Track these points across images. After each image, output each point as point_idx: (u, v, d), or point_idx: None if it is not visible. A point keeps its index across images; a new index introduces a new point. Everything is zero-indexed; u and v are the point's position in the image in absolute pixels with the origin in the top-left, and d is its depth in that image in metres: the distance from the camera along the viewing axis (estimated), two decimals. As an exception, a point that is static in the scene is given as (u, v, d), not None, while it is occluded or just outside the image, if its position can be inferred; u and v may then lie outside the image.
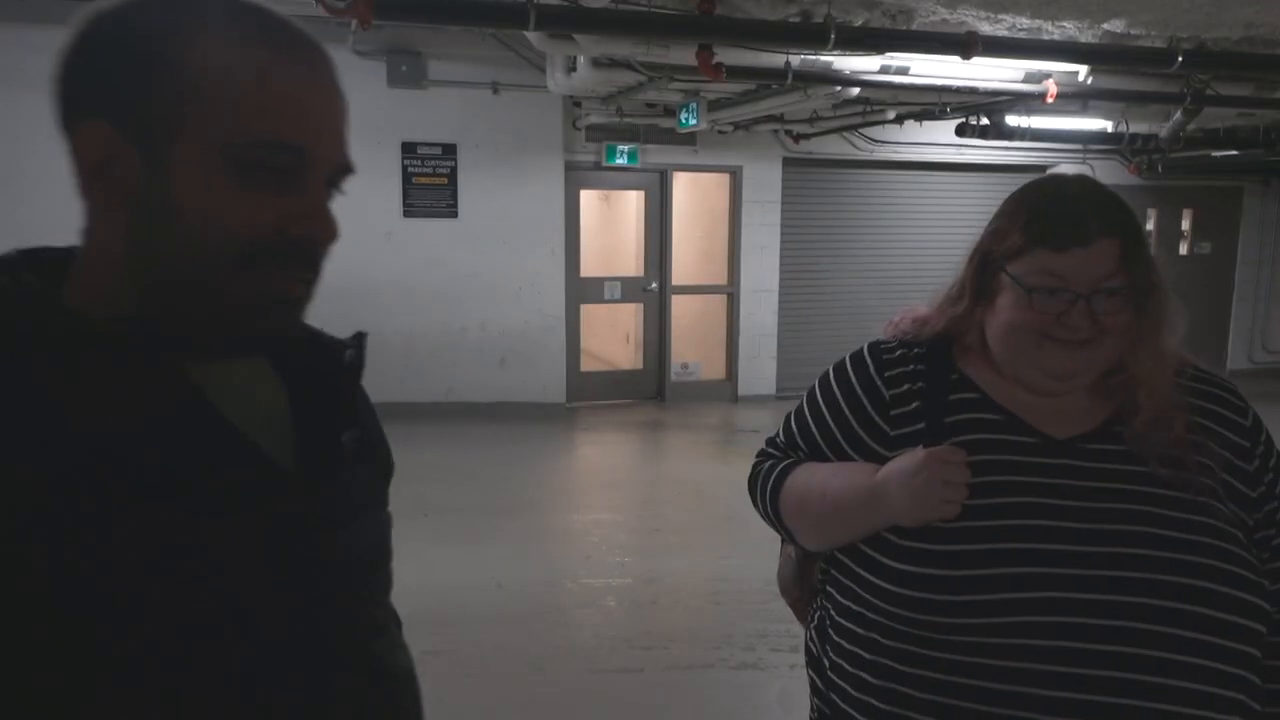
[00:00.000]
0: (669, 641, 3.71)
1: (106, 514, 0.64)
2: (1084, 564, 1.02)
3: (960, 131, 7.50)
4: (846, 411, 1.22)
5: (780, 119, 7.60)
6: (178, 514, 0.67)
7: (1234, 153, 8.19)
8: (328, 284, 0.78)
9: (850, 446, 1.21)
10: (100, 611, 0.63)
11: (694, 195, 9.06)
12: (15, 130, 6.68)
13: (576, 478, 6.60)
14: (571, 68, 5.90)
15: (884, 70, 5.38)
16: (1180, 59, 4.26)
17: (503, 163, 7.52)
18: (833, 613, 1.20)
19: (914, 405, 1.16)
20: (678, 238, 8.56)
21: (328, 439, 0.78)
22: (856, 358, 1.25)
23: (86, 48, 0.68)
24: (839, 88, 5.63)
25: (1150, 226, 9.83)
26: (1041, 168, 9.30)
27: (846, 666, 1.15)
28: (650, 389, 8.60)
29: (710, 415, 8.10)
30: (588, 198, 8.47)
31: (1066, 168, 9.24)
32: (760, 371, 8.70)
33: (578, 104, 7.56)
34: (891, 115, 7.35)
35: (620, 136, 7.84)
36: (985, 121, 7.31)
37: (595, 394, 8.36)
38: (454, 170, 7.37)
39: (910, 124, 7.82)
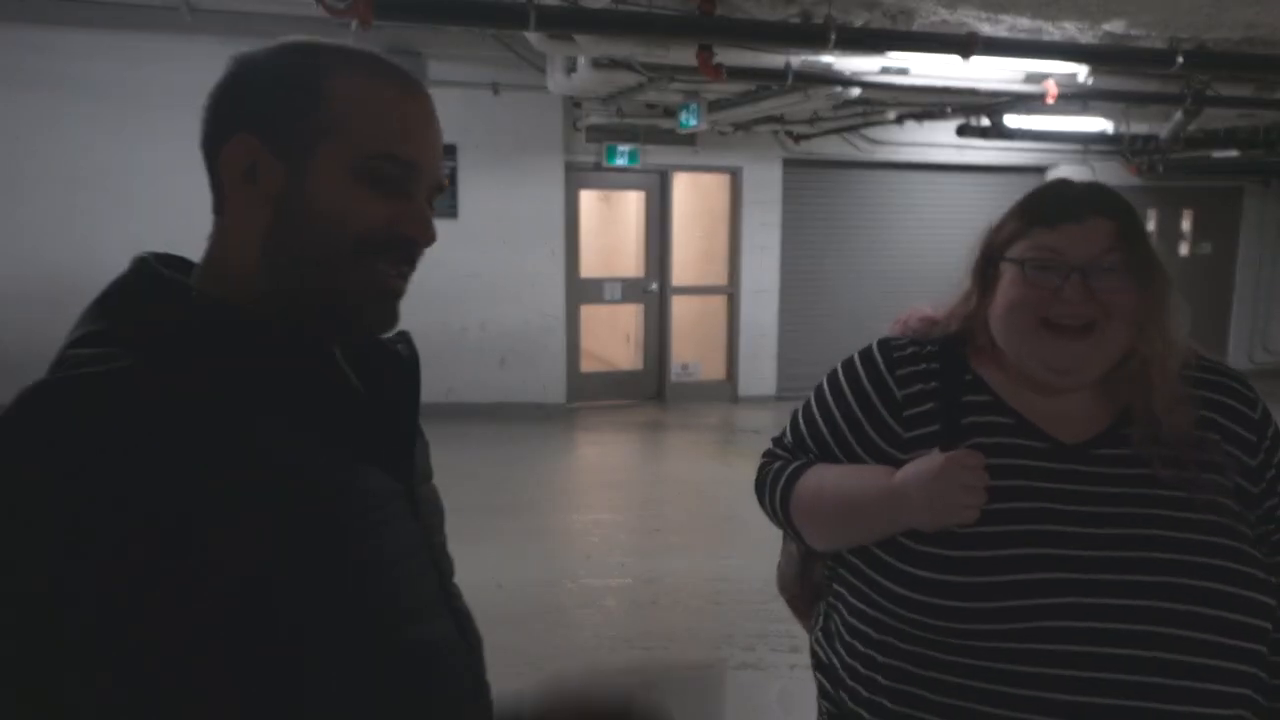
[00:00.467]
0: (669, 642, 3.71)
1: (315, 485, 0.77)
2: (1097, 569, 1.02)
3: (961, 132, 7.51)
4: (858, 411, 1.20)
5: (780, 120, 7.60)
6: (358, 478, 0.82)
7: (1234, 153, 8.19)
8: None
9: (861, 447, 1.20)
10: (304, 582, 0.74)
11: (694, 196, 9.06)
12: (15, 130, 6.67)
13: (576, 478, 6.60)
14: (571, 68, 5.90)
15: (884, 71, 5.38)
16: (1180, 60, 4.26)
17: (503, 163, 7.52)
18: (844, 613, 1.19)
19: (928, 406, 1.15)
20: (678, 238, 8.56)
21: (409, 421, 0.91)
22: (866, 355, 1.23)
23: (239, 79, 0.83)
24: (839, 88, 5.63)
25: (1151, 227, 9.82)
26: (1042, 168, 9.30)
27: (859, 668, 1.14)
28: (650, 389, 8.59)
29: (710, 416, 8.11)
30: (588, 198, 8.47)
31: (1067, 168, 9.24)
32: (760, 372, 8.70)
33: (578, 104, 7.56)
34: (892, 116, 7.35)
35: (620, 137, 7.84)
36: (986, 122, 7.32)
37: (595, 394, 8.36)
38: (454, 171, 7.35)
39: (910, 124, 7.82)
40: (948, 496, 1.05)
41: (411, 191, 0.84)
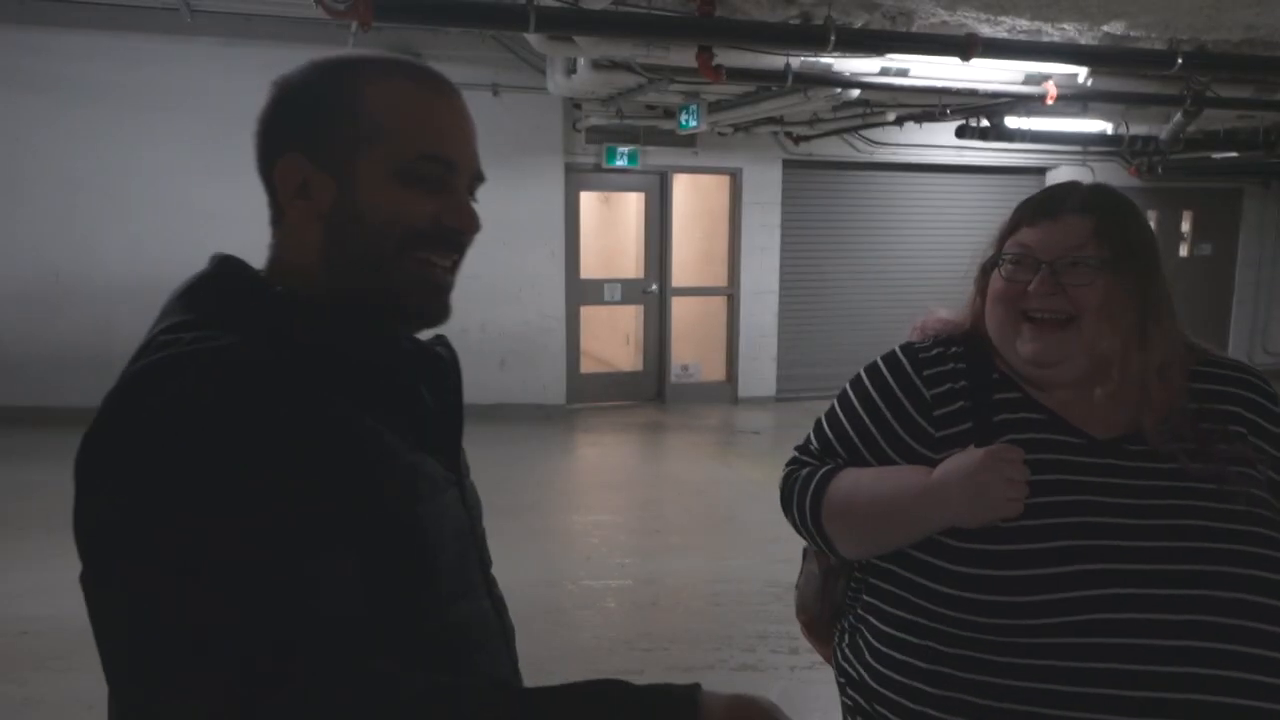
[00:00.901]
0: (669, 643, 3.71)
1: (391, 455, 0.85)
2: (1142, 559, 1.02)
3: (960, 133, 7.51)
4: (886, 413, 1.20)
5: (780, 121, 7.61)
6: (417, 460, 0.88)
7: (1234, 154, 8.19)
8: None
9: (892, 449, 1.19)
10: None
11: (694, 197, 9.06)
12: (15, 131, 6.67)
13: (576, 479, 6.60)
14: (571, 70, 5.90)
15: (884, 72, 5.38)
16: (1180, 61, 4.26)
17: (502, 164, 7.50)
18: (875, 623, 1.17)
19: (958, 405, 1.15)
20: (678, 239, 8.56)
21: (458, 417, 0.99)
22: (890, 359, 1.23)
23: (281, 102, 0.89)
24: (839, 89, 5.63)
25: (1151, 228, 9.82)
26: (1041, 170, 9.30)
27: (898, 678, 1.11)
28: (650, 390, 8.59)
29: (710, 417, 8.10)
30: (588, 199, 8.47)
31: (1066, 169, 9.24)
32: (760, 373, 8.70)
33: (578, 106, 7.56)
34: (891, 117, 7.35)
35: (620, 138, 7.84)
36: (985, 123, 7.32)
37: (595, 395, 8.36)
38: (454, 172, 7.34)
39: (910, 126, 7.82)
40: (990, 490, 1.04)
41: (452, 186, 0.91)
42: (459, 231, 0.92)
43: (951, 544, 1.08)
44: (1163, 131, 7.15)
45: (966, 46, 4.06)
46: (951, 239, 8.65)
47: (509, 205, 7.53)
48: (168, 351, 0.78)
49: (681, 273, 8.60)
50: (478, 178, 0.95)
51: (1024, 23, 4.11)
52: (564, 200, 7.83)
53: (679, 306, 8.60)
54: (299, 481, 0.76)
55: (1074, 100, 6.05)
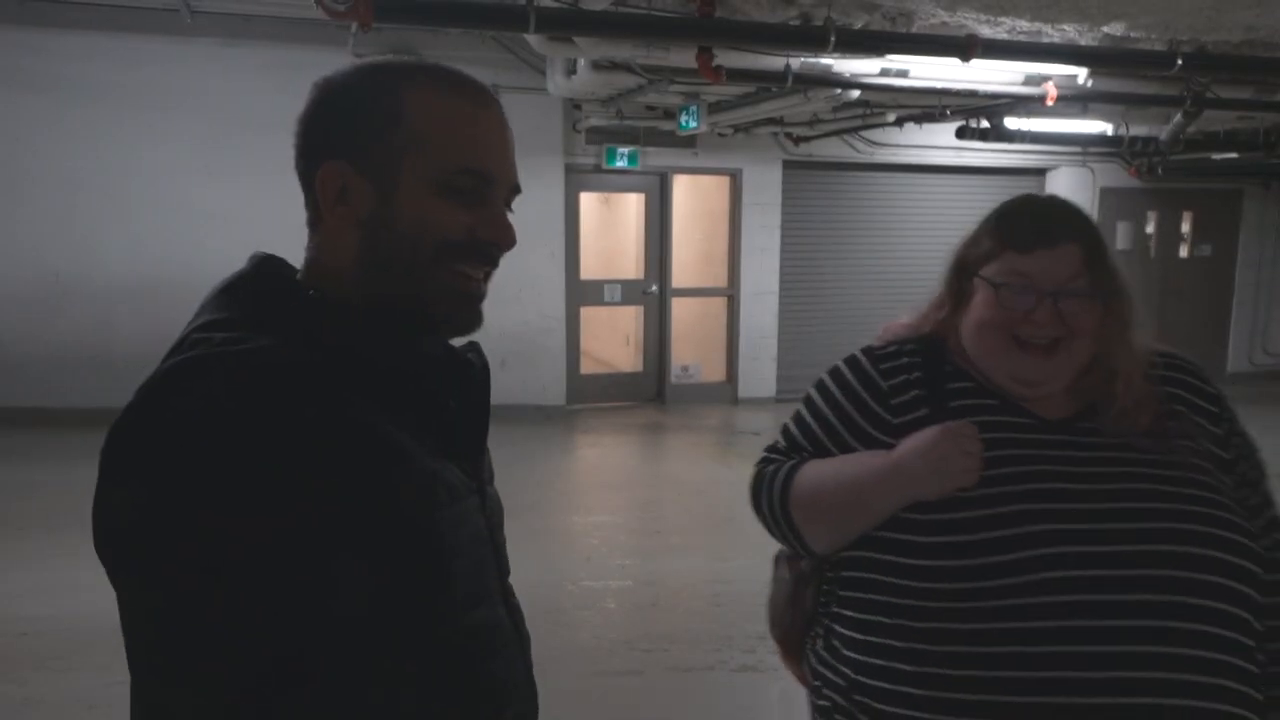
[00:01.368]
0: (669, 644, 3.71)
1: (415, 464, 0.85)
2: (1092, 519, 1.09)
3: (960, 134, 7.51)
4: (847, 405, 1.27)
5: (780, 122, 7.61)
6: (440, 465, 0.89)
7: (1234, 155, 8.20)
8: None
9: (853, 438, 1.25)
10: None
11: (694, 198, 9.07)
12: (15, 132, 6.67)
13: (576, 479, 6.60)
14: (571, 70, 5.91)
15: (884, 73, 5.38)
16: (1180, 62, 4.27)
17: (503, 165, 7.51)
18: (850, 614, 1.20)
19: (913, 394, 1.23)
20: (678, 240, 8.56)
21: (482, 425, 0.99)
22: (850, 360, 1.31)
23: (323, 107, 0.89)
24: (839, 90, 5.63)
25: (1151, 229, 9.84)
26: (1041, 170, 9.30)
27: (877, 662, 1.15)
28: (650, 391, 8.60)
29: (710, 417, 8.10)
30: (588, 200, 8.47)
31: (1067, 170, 9.25)
32: (760, 374, 8.70)
33: (577, 106, 7.57)
34: (891, 118, 7.35)
35: (620, 139, 7.84)
36: (985, 124, 7.32)
37: (595, 396, 8.36)
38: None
39: (910, 127, 7.82)
40: (949, 461, 1.12)
41: (489, 198, 0.91)
42: (493, 245, 0.92)
43: (916, 518, 1.14)
44: (1163, 132, 7.15)
45: (966, 47, 4.06)
46: (951, 240, 8.58)
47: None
48: (197, 351, 0.80)
49: (681, 273, 8.60)
50: (514, 190, 0.95)
51: (1024, 24, 4.11)
52: (564, 201, 7.83)
53: (679, 307, 8.61)
54: (321, 483, 0.77)
55: (1074, 101, 6.06)
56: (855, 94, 5.83)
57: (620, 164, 7.90)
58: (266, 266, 0.91)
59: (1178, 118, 6.45)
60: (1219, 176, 9.56)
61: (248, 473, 0.74)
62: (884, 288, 8.70)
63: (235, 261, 0.93)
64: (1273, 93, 5.83)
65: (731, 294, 8.67)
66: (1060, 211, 1.21)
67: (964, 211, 8.84)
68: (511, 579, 1.02)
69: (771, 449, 1.38)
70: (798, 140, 8.26)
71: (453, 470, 0.90)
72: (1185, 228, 10.06)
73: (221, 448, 0.74)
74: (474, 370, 0.99)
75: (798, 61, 5.06)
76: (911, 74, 5.41)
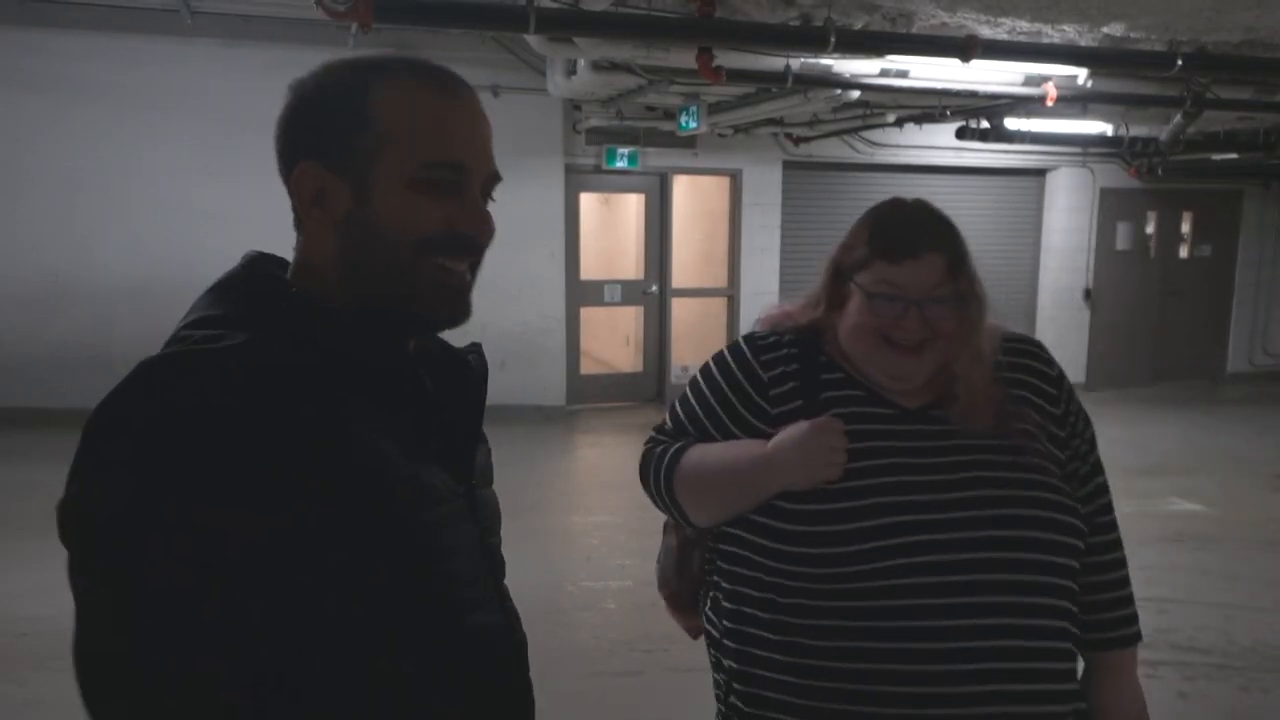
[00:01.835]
0: (669, 644, 3.70)
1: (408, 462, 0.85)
2: (941, 509, 1.21)
3: (960, 134, 7.51)
4: (730, 394, 1.36)
5: (780, 122, 7.61)
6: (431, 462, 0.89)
7: (1234, 156, 8.20)
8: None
9: (735, 425, 1.35)
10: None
11: (694, 198, 9.07)
12: (15, 132, 6.67)
13: (576, 480, 6.60)
14: (571, 71, 5.90)
15: (884, 73, 5.38)
16: (1180, 62, 4.26)
17: (502, 165, 7.29)
18: (725, 584, 1.32)
19: (789, 385, 1.32)
20: (678, 241, 8.56)
21: (471, 427, 0.98)
22: (734, 348, 1.40)
23: (295, 108, 0.89)
24: (839, 91, 5.63)
25: (1151, 229, 9.83)
26: (1041, 171, 9.30)
27: (746, 629, 1.27)
28: (650, 391, 8.60)
29: (710, 418, 8.09)
30: (588, 200, 8.47)
31: (1066, 171, 9.25)
32: (760, 374, 8.69)
33: (577, 107, 7.57)
34: (891, 118, 7.35)
35: (620, 139, 7.84)
36: (985, 124, 7.33)
37: (595, 396, 8.36)
38: (454, 173, 7.35)
39: (910, 127, 7.82)
40: (816, 456, 1.22)
41: (465, 189, 0.90)
42: (472, 236, 0.91)
43: (785, 506, 1.24)
44: (1163, 133, 7.15)
45: (966, 48, 4.06)
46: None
47: (509, 206, 7.40)
48: (173, 349, 0.81)
49: (681, 274, 8.60)
50: (493, 178, 0.95)
51: (1024, 24, 4.11)
52: (564, 201, 7.83)
53: (679, 307, 8.61)
54: (318, 482, 0.77)
55: (1074, 102, 6.06)
56: (855, 94, 5.83)
57: (620, 164, 7.90)
58: (258, 266, 0.91)
59: (1178, 118, 6.45)
60: (1219, 177, 9.56)
61: (246, 470, 0.74)
62: (884, 288, 8.69)
63: (235, 262, 0.93)
64: (1273, 93, 5.83)
65: (731, 294, 8.67)
66: (927, 222, 1.31)
67: (964, 212, 8.84)
68: (511, 580, 1.02)
69: (660, 429, 1.47)
70: (798, 141, 8.26)
71: (437, 473, 0.90)
72: (1185, 228, 10.05)
73: (218, 444, 0.74)
74: (471, 370, 0.99)
75: (798, 62, 5.06)
76: (911, 74, 5.41)
